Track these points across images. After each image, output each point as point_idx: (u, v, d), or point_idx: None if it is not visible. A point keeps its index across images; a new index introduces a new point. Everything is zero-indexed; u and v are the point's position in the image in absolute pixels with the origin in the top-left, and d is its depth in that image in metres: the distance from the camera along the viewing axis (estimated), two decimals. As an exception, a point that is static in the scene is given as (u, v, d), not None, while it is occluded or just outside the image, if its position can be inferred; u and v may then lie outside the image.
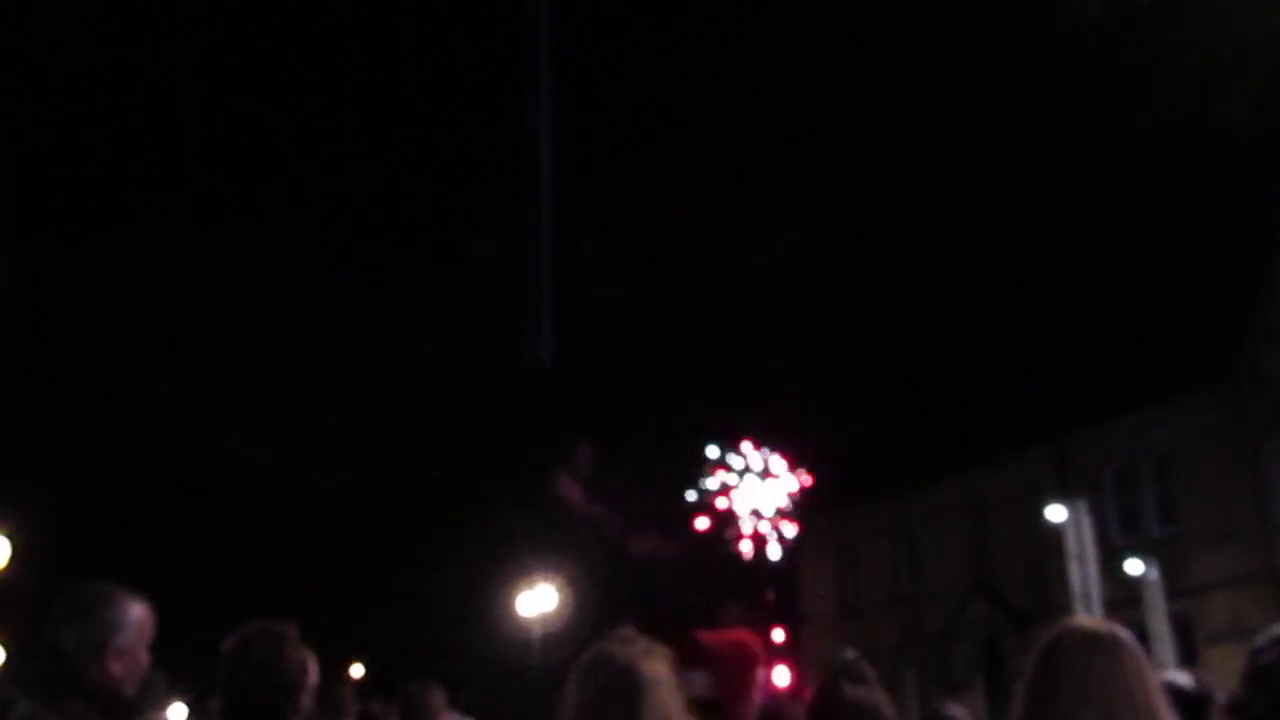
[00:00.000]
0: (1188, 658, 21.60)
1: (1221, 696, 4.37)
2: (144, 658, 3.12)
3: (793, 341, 32.54)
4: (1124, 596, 21.67)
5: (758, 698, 3.34)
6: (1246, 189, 27.82)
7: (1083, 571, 17.43)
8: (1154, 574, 19.81)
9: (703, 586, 29.38)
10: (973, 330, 30.45)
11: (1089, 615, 16.48)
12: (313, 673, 3.15)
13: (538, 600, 27.46)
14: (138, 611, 3.16)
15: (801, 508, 31.47)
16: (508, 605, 28.69)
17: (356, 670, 31.90)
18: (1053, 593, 22.87)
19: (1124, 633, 2.60)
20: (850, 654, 3.75)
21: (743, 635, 3.50)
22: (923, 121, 35.61)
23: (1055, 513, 18.95)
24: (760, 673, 3.39)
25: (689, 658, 3.34)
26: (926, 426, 31.24)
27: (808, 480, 32.08)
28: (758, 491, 31.57)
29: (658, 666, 2.61)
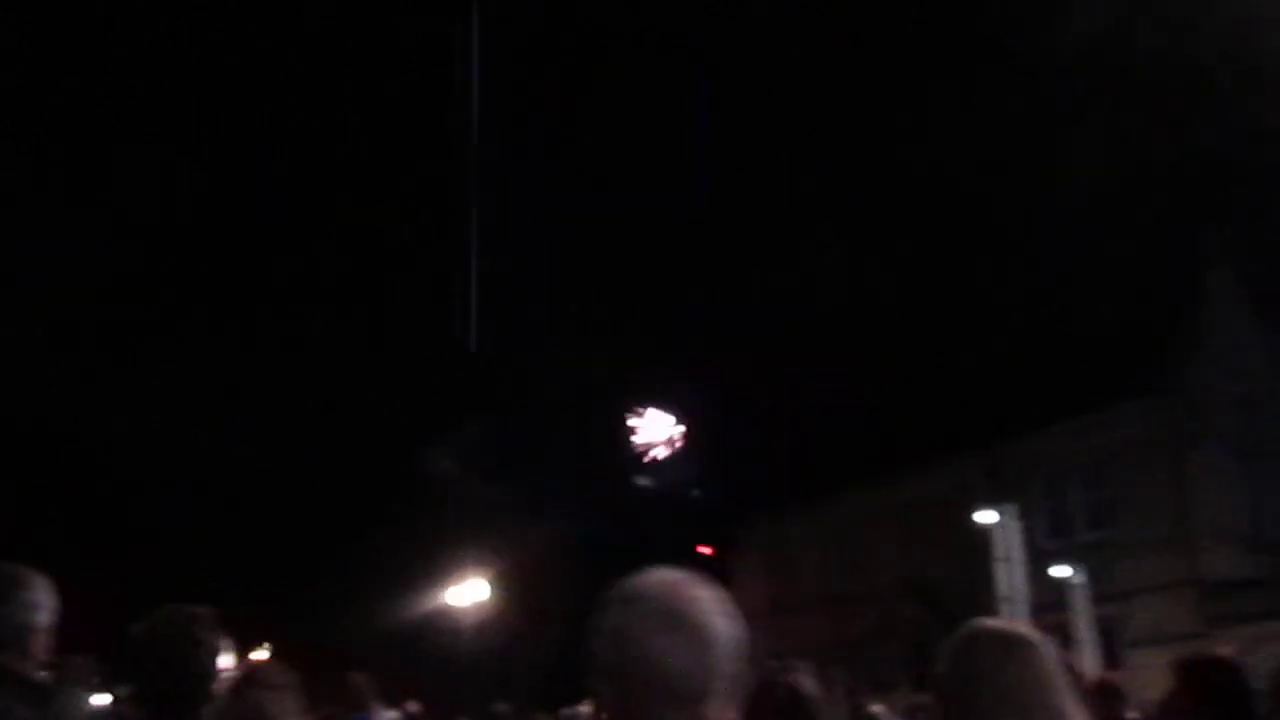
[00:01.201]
0: (1111, 661, 21.96)
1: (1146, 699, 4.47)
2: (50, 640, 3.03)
3: (730, 340, 32.65)
4: (1051, 600, 21.99)
5: None
6: (1177, 205, 28.33)
7: (1010, 574, 17.64)
8: (1080, 578, 20.11)
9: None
10: (908, 337, 30.76)
11: (1015, 617, 16.69)
12: (227, 658, 3.07)
13: (469, 592, 27.33)
14: (50, 591, 3.07)
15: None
16: (439, 596, 28.53)
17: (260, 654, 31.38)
18: (982, 595, 23.13)
19: (1035, 633, 2.60)
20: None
21: None
22: (866, 132, 35.85)
23: (985, 516, 19.17)
24: None
25: None
26: (861, 430, 31.46)
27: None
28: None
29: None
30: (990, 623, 2.62)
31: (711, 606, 1.96)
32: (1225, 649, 4.12)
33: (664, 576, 2.01)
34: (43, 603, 3.05)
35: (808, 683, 3.76)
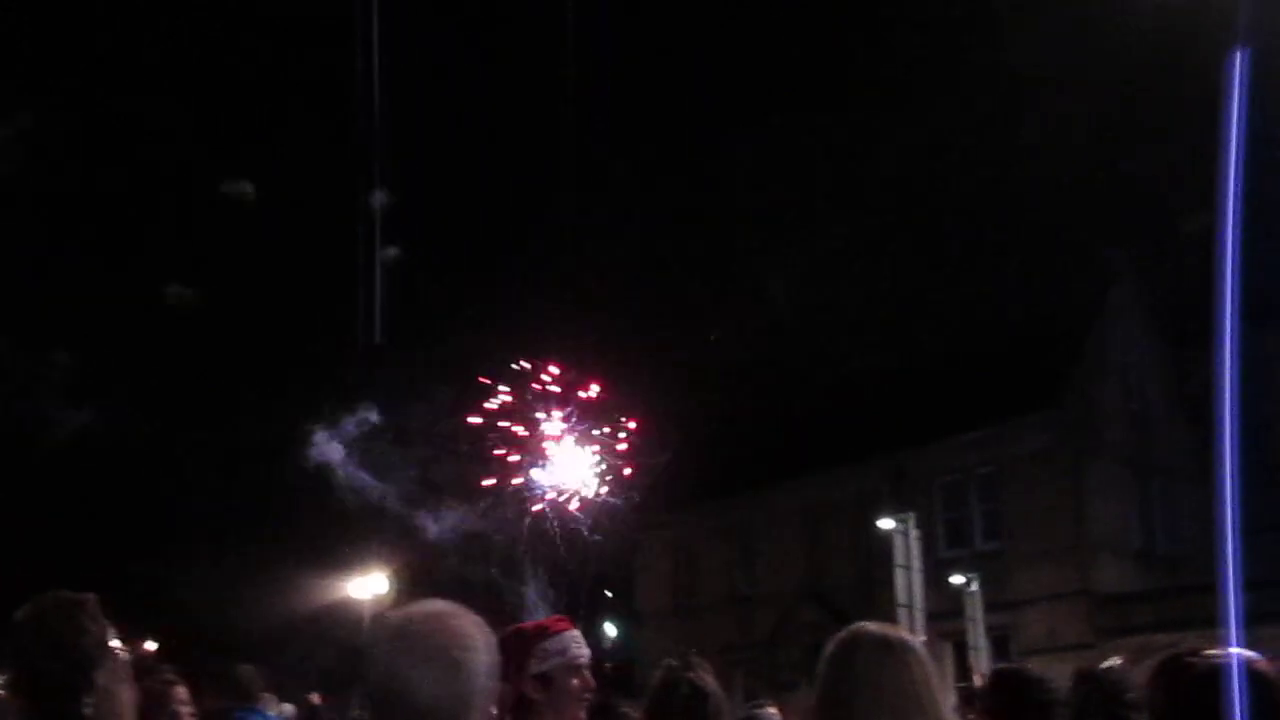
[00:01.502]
0: (1003, 670, 22.37)
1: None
2: None
3: (641, 332, 32.56)
4: (948, 607, 22.33)
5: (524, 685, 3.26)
6: (1082, 228, 29.01)
7: (908, 581, 17.88)
8: (975, 586, 20.47)
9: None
10: (818, 345, 31.06)
11: (913, 624, 16.92)
12: (112, 648, 2.96)
13: (369, 584, 27.10)
14: None
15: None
16: (340, 588, 28.22)
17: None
18: (880, 601, 23.43)
19: (912, 638, 2.64)
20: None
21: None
22: (782, 137, 36.12)
23: (886, 523, 19.44)
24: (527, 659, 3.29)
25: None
26: (768, 433, 31.69)
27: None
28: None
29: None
30: (871, 627, 2.65)
31: (469, 640, 2.19)
32: (1112, 660, 4.32)
33: (429, 610, 2.25)
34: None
35: (710, 679, 3.77)
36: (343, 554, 27.76)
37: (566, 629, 3.42)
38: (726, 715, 3.78)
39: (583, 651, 3.39)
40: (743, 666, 30.24)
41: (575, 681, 3.33)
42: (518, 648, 3.27)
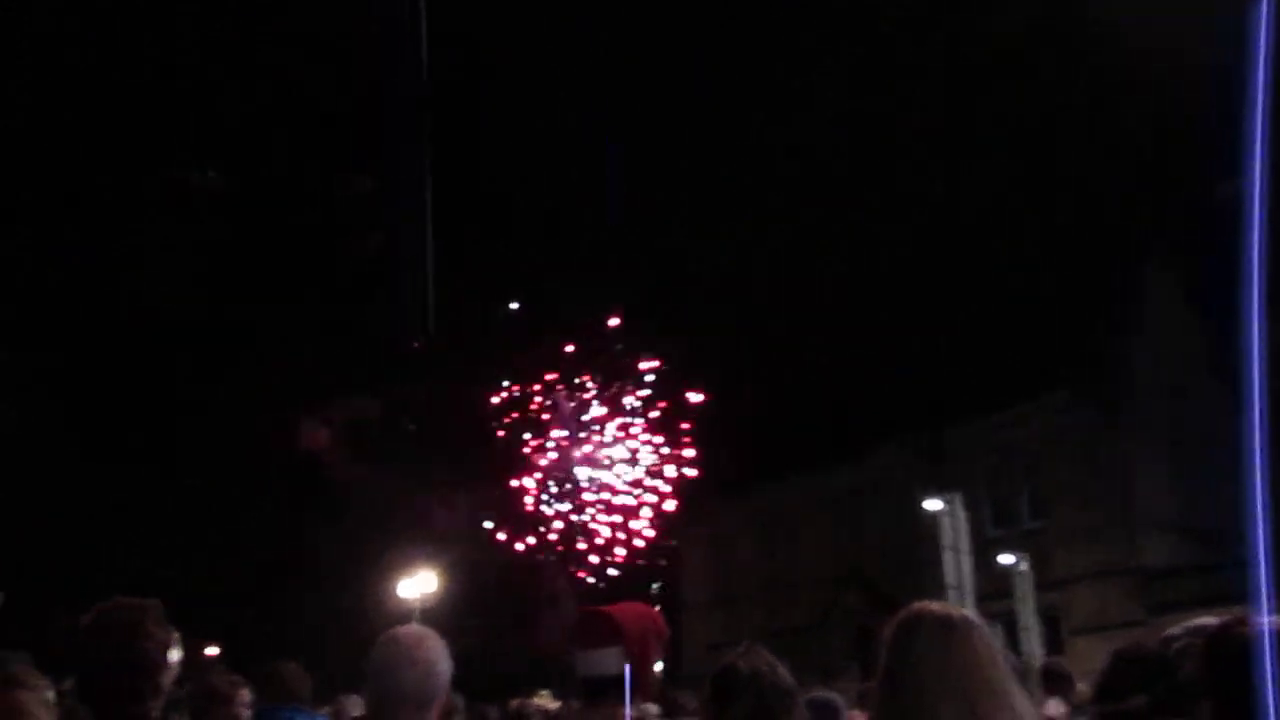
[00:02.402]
0: (1054, 648, 22.24)
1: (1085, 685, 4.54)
2: None
3: (674, 328, 32.46)
4: (995, 588, 22.21)
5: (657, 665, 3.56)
6: (1120, 201, 28.71)
7: (957, 562, 17.80)
8: (1024, 566, 20.33)
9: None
10: (853, 324, 30.87)
11: (962, 605, 16.85)
12: (176, 653, 3.01)
13: (418, 584, 27.25)
14: None
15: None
16: (390, 588, 28.38)
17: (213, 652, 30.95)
18: (924, 582, 23.30)
19: (974, 616, 2.63)
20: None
21: (643, 607, 3.58)
22: (799, 117, 35.88)
23: (932, 504, 19.33)
24: (663, 641, 3.57)
25: (599, 635, 3.35)
26: (805, 417, 31.59)
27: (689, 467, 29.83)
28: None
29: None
30: (931, 605, 2.65)
31: (437, 653, 3.08)
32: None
33: (413, 629, 3.24)
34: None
35: (768, 665, 3.76)
36: (398, 554, 27.95)
37: None
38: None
39: None
40: (787, 653, 30.21)
41: None
42: (658, 631, 3.62)
